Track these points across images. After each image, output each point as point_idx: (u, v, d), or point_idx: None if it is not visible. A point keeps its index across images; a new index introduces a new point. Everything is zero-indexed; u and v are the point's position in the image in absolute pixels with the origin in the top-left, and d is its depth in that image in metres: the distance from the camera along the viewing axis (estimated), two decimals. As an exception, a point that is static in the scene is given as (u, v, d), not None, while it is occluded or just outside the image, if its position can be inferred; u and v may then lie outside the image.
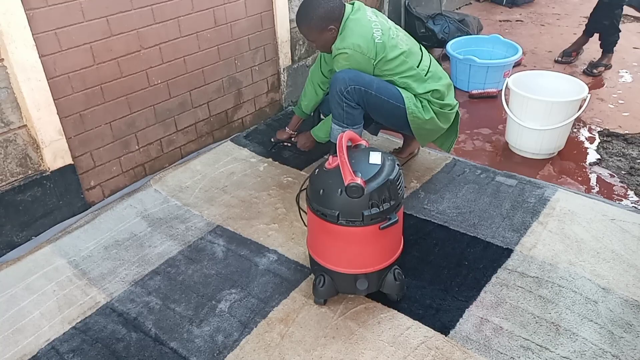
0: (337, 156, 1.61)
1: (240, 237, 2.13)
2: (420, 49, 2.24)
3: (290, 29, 2.98)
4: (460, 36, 3.72)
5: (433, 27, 3.80)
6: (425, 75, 2.16)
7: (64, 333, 1.72)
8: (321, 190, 1.60)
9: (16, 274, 1.97)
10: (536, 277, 1.87)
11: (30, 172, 2.04)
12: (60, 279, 1.94)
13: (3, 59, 1.84)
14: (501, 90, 3.36)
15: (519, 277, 1.87)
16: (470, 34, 3.86)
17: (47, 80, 1.97)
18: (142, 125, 2.39)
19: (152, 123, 2.43)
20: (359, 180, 1.52)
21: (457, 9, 4.83)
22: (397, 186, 1.60)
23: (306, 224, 2.02)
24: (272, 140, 2.73)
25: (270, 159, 2.67)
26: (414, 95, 2.15)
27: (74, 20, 2.00)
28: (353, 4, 2.19)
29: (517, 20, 4.62)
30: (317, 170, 1.68)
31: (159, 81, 2.39)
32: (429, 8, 4.30)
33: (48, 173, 2.07)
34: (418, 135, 2.24)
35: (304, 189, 2.20)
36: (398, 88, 2.14)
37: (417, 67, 2.15)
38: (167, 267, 1.99)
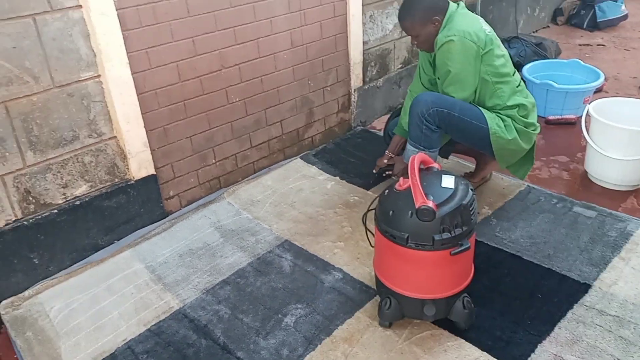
0: (408, 178, 1.61)
1: (307, 253, 2.17)
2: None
3: (363, 50, 3.03)
4: (537, 60, 3.62)
5: (508, 50, 3.70)
6: (517, 87, 2.15)
7: (139, 334, 1.82)
8: (391, 212, 1.60)
9: (99, 274, 2.10)
10: (617, 317, 1.76)
11: (116, 180, 2.19)
12: (138, 282, 2.05)
13: (100, 75, 2.00)
14: (580, 117, 3.23)
15: (597, 314, 1.77)
16: (548, 58, 3.75)
17: (137, 95, 2.12)
18: (219, 140, 2.50)
19: (228, 139, 2.54)
20: (430, 204, 1.51)
21: (534, 32, 4.70)
22: (470, 211, 1.58)
23: (372, 244, 2.03)
24: (374, 172, 2.51)
25: (337, 178, 2.70)
26: (498, 112, 2.13)
27: (164, 40, 2.15)
28: (458, 4, 2.15)
29: (598, 45, 4.43)
30: (387, 191, 1.69)
31: (237, 99, 2.50)
32: (505, 31, 4.22)
33: (132, 182, 2.22)
34: (499, 156, 2.20)
35: (372, 209, 2.22)
36: (480, 109, 2.12)
37: (513, 75, 2.15)
38: (236, 278, 2.05)
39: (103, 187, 2.15)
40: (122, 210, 2.23)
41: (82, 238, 2.14)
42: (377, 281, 1.78)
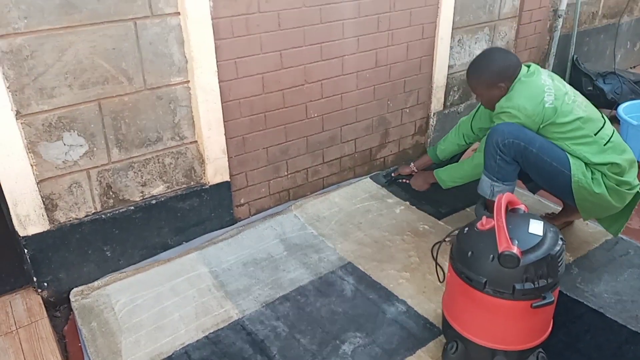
0: (492, 218, 1.52)
1: (370, 279, 2.11)
2: (603, 117, 2.05)
3: (448, 74, 2.94)
4: (635, 99, 3.37)
5: (603, 85, 3.50)
6: (604, 145, 1.96)
7: (197, 340, 1.83)
8: (470, 252, 1.51)
9: (165, 273, 2.15)
10: None
11: (192, 183, 2.23)
12: (201, 286, 2.07)
13: (189, 81, 2.05)
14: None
15: (691, 393, 1.59)
16: (647, 98, 3.48)
17: (222, 103, 2.15)
18: (293, 153, 2.50)
19: (302, 153, 2.53)
20: (515, 249, 1.41)
21: (631, 67, 4.40)
22: (558, 263, 1.46)
23: (441, 279, 1.94)
24: (393, 175, 2.74)
25: (407, 203, 2.62)
26: (586, 164, 1.96)
27: (253, 52, 2.17)
28: (529, 66, 2.08)
29: None
30: (467, 229, 1.60)
31: (316, 115, 2.49)
32: (600, 65, 3.98)
33: (207, 187, 2.25)
34: (582, 207, 2.02)
35: (446, 241, 2.13)
36: (566, 153, 1.97)
37: (595, 135, 1.96)
38: (297, 295, 2.02)
39: (179, 189, 2.20)
40: (193, 213, 2.27)
41: (153, 236, 2.19)
42: (445, 322, 1.69)
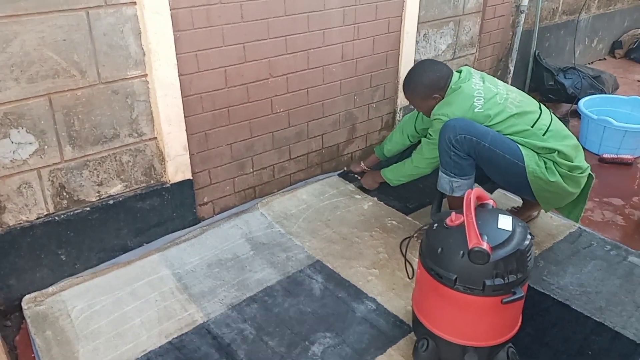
0: (461, 214, 1.50)
1: (339, 277, 2.07)
2: (540, 107, 2.08)
3: (414, 69, 2.93)
4: (594, 94, 3.45)
5: (564, 80, 3.56)
6: (543, 135, 1.98)
7: (160, 346, 1.75)
8: (439, 249, 1.48)
9: (125, 277, 2.04)
10: (677, 387, 1.60)
11: (152, 182, 2.13)
12: (164, 289, 1.99)
13: (147, 74, 1.95)
14: (637, 157, 3.05)
15: (654, 382, 1.62)
16: (605, 92, 3.58)
17: (182, 98, 2.06)
18: (259, 149, 2.43)
19: (268, 149, 2.46)
20: (485, 245, 1.39)
21: (589, 63, 4.51)
22: (527, 258, 1.45)
23: (410, 276, 1.92)
24: (345, 169, 2.81)
25: (375, 199, 2.60)
26: (539, 154, 1.98)
27: (214, 44, 2.09)
28: (460, 71, 2.15)
29: (659, 82, 4.22)
30: (437, 225, 1.57)
31: (281, 110, 2.42)
32: (560, 60, 4.06)
33: (168, 185, 2.16)
34: (541, 198, 2.05)
35: (415, 237, 2.11)
36: (518, 144, 1.98)
37: (532, 127, 1.99)
38: (264, 296, 1.96)
39: (138, 188, 2.10)
40: (154, 213, 2.17)
41: (112, 238, 2.09)
42: (415, 319, 1.66)
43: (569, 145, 2.00)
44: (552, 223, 2.39)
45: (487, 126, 1.99)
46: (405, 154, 2.56)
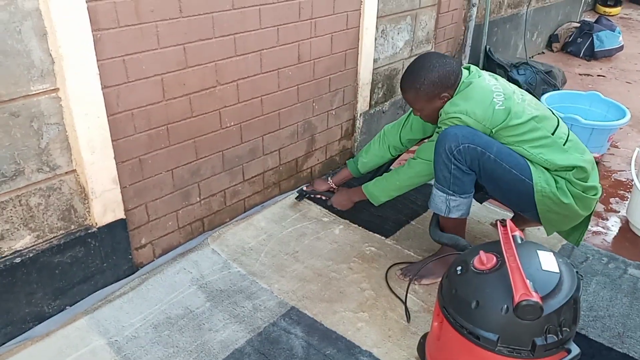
0: (491, 252, 1.19)
1: (323, 327, 1.70)
2: (555, 114, 1.83)
3: (373, 69, 2.62)
4: (547, 89, 3.34)
5: (517, 76, 3.43)
6: (564, 145, 1.73)
7: None
8: (474, 303, 1.17)
9: (43, 355, 1.55)
10: None
11: (73, 227, 1.64)
12: (98, 369, 1.52)
13: (58, 88, 1.47)
14: (602, 155, 2.96)
15: None
16: (557, 87, 3.48)
17: (108, 117, 1.59)
18: (207, 173, 2.00)
19: (218, 171, 2.04)
20: (535, 296, 1.09)
21: (530, 57, 4.46)
22: (580, 305, 1.17)
23: (409, 319, 1.60)
24: (304, 189, 2.30)
25: (346, 221, 2.25)
26: (549, 170, 1.71)
27: (147, 47, 1.64)
28: (468, 68, 1.82)
29: (598, 75, 4.24)
30: (460, 269, 1.25)
31: (232, 123, 2.01)
32: (506, 55, 3.95)
33: (94, 229, 1.68)
34: (545, 220, 1.76)
35: (399, 263, 1.81)
36: (526, 160, 1.72)
37: (553, 134, 1.72)
38: (233, 364, 1.56)
39: (54, 238, 1.60)
40: (77, 267, 1.68)
41: (22, 306, 1.58)
42: (436, 385, 1.34)
43: (589, 161, 1.74)
44: (542, 236, 2.17)
45: (508, 126, 1.67)
46: (382, 169, 2.20)
